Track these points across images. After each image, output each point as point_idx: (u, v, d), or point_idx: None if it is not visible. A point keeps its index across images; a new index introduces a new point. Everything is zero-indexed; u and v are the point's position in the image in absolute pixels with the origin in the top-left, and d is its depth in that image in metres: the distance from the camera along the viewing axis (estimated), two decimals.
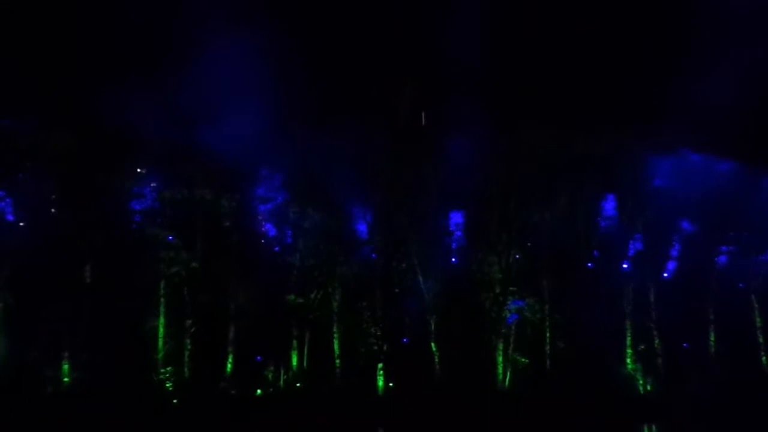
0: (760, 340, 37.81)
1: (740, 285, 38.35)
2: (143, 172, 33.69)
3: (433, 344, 35.23)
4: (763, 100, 35.44)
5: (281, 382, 33.68)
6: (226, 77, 32.57)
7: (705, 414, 32.33)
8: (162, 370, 31.64)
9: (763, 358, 37.64)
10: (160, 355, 31.85)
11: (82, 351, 30.29)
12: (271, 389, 33.41)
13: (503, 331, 35.38)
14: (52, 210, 32.15)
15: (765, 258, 37.95)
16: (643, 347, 36.53)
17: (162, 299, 32.40)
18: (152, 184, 33.53)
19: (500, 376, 34.99)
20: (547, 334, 36.02)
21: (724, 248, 37.77)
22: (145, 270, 32.01)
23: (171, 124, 31.81)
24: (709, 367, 36.57)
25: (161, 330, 32.14)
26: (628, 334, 36.64)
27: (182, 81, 30.93)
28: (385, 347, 34.93)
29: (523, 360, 35.54)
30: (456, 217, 36.55)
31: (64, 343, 30.26)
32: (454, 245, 36.66)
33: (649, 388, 35.96)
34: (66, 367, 30.30)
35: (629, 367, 36.29)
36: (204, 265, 33.46)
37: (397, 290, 36.00)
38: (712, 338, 37.52)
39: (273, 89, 31.82)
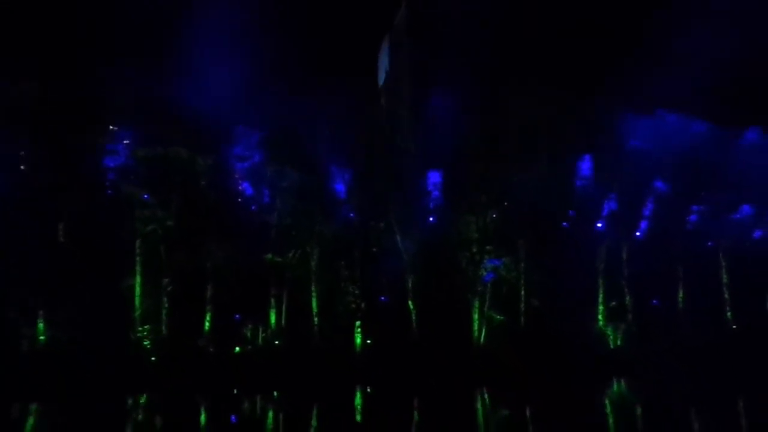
0: (726, 296, 38.98)
1: (709, 244, 39.32)
2: (116, 129, 32.97)
3: (410, 302, 35.68)
4: (736, 64, 35.89)
5: (259, 339, 33.89)
6: (203, 33, 31.79)
7: (672, 368, 33.50)
8: (139, 328, 31.60)
9: (728, 314, 38.86)
10: (138, 313, 31.75)
11: (58, 310, 30.05)
12: (250, 347, 33.62)
13: (479, 289, 35.93)
14: (23, 168, 31.43)
15: (733, 217, 38.90)
16: (614, 304, 37.54)
17: (138, 258, 32.12)
18: (126, 142, 32.88)
19: (476, 333, 35.65)
20: (522, 292, 36.69)
21: (694, 208, 38.60)
22: (120, 228, 31.62)
23: (145, 80, 31.06)
24: (676, 323, 37.77)
25: (138, 288, 31.96)
26: (600, 292, 37.58)
27: (157, 36, 30.13)
28: (362, 305, 35.28)
29: (498, 317, 36.20)
30: (434, 177, 36.61)
31: (39, 302, 29.94)
32: (431, 205, 36.80)
33: (618, 343, 37.03)
34: (41, 325, 30.08)
35: (600, 323, 37.32)
36: (180, 224, 33.19)
37: (375, 249, 36.23)
38: (681, 295, 38.59)
39: (251, 45, 31.20)
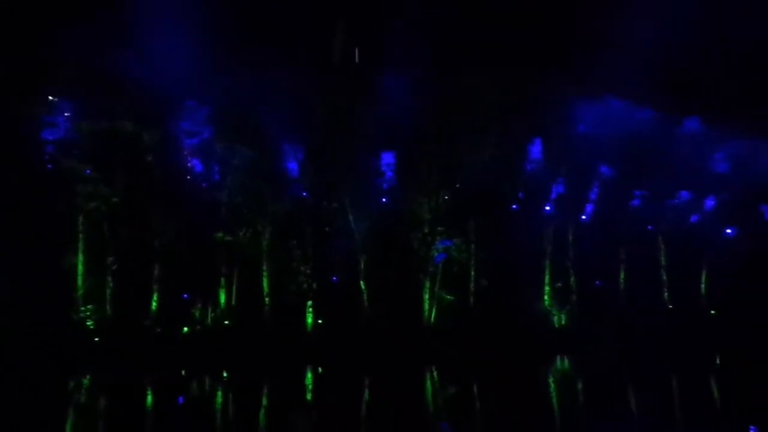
0: (664, 278, 40.75)
1: (649, 227, 40.92)
2: (56, 100, 31.48)
3: (362, 282, 35.81)
4: (681, 53, 37.06)
5: (209, 319, 33.39)
6: (152, 1, 30.44)
7: (613, 346, 34.92)
8: (82, 308, 30.59)
9: (666, 295, 40.68)
10: (80, 292, 30.70)
11: None
12: (198, 327, 33.10)
13: (431, 269, 36.34)
14: None
15: (672, 202, 40.56)
16: (559, 285, 38.72)
17: (80, 235, 30.98)
18: (66, 114, 31.45)
19: (426, 313, 36.15)
20: (472, 273, 37.38)
21: (637, 192, 40.01)
22: (61, 204, 30.37)
23: (88, 48, 29.64)
24: (618, 303, 39.30)
25: (80, 267, 30.87)
26: (547, 273, 38.66)
27: (103, 2, 28.71)
28: (314, 285, 35.18)
29: (448, 297, 36.79)
30: (387, 157, 36.62)
31: None
32: (384, 185, 36.84)
33: (563, 322, 38.29)
34: None
35: (546, 303, 38.46)
36: (125, 201, 32.17)
37: (327, 229, 36.07)
38: (622, 276, 40.12)
39: (202, 14, 30.10)
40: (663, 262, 40.81)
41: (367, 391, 23.69)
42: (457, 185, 37.59)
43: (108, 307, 31.25)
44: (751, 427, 16.62)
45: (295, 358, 31.48)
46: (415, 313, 35.90)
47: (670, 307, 40.62)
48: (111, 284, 31.45)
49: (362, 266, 35.87)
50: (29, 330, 28.36)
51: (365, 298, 35.66)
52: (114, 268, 31.63)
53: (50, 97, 31.25)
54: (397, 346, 32.80)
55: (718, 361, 32.85)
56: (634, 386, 24.40)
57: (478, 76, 35.35)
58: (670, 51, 34.56)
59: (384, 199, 37.06)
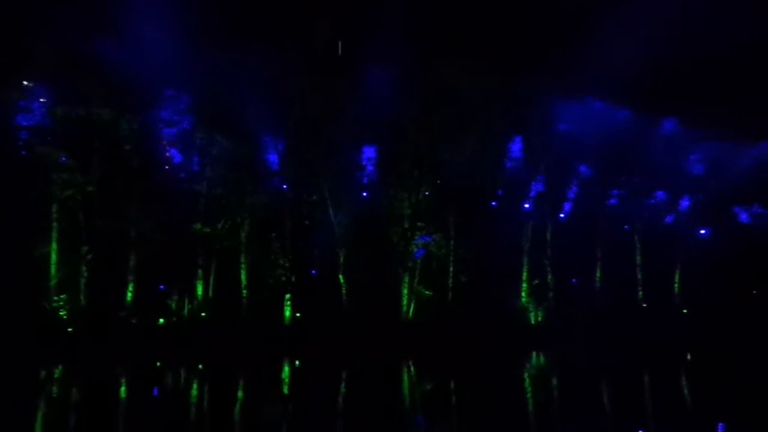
0: (639, 276, 41.35)
1: (626, 227, 41.48)
2: (31, 85, 30.79)
3: (341, 276, 35.75)
4: (660, 55, 37.55)
5: (185, 311, 33.05)
6: None
7: (588, 342, 35.34)
8: (55, 298, 30.06)
9: (640, 293, 41.29)
10: (53, 282, 30.15)
11: None
12: (175, 318, 32.74)
13: (410, 264, 36.43)
14: None
15: (649, 202, 41.17)
16: (537, 282, 39.10)
17: (54, 224, 30.41)
18: (42, 99, 30.78)
19: (405, 308, 36.22)
20: (451, 268, 37.59)
21: (615, 192, 40.53)
22: (34, 192, 29.74)
23: (66, 33, 29.03)
24: (593, 300, 39.80)
25: (54, 256, 30.31)
26: (525, 270, 39.01)
27: None
28: (293, 278, 35.02)
29: (426, 292, 36.92)
30: (368, 152, 36.61)
31: None
32: (365, 179, 36.83)
33: (539, 318, 38.67)
34: None
35: (523, 299, 38.81)
36: (101, 190, 31.64)
37: (306, 222, 35.93)
38: (598, 274, 40.63)
39: (184, 5, 29.64)
40: (638, 261, 41.41)
41: (344, 385, 23.66)
42: (438, 181, 37.73)
43: (82, 297, 30.74)
44: (720, 424, 16.96)
45: (273, 351, 31.30)
46: (393, 307, 35.96)
47: (644, 305, 41.25)
48: (85, 274, 30.95)
49: (341, 260, 35.82)
50: (1, 319, 27.73)
51: (344, 291, 35.61)
52: (89, 257, 31.12)
53: (25, 82, 30.54)
54: (375, 340, 32.84)
55: (689, 358, 33.46)
56: (608, 382, 24.77)
57: (460, 74, 35.40)
58: (649, 52, 34.99)
59: (364, 194, 37.05)
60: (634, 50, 34.41)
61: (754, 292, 41.35)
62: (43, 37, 29.50)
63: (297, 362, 29.47)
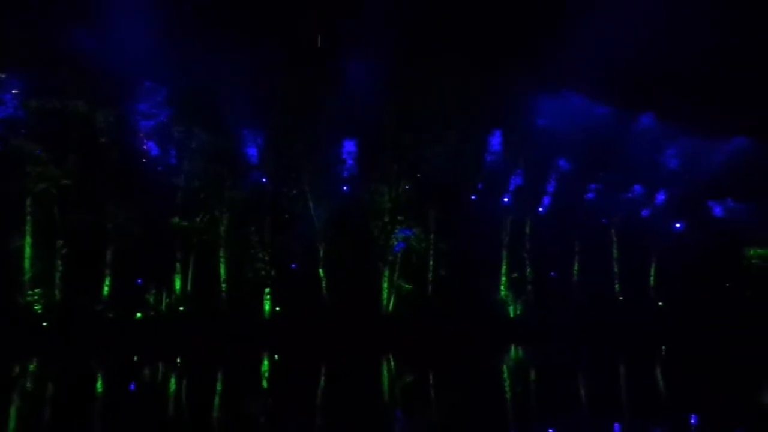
0: (616, 270, 41.90)
1: (603, 221, 41.98)
2: (3, 76, 30.19)
3: (321, 270, 35.69)
4: (638, 51, 37.99)
5: (163, 305, 32.78)
6: None
7: (565, 335, 35.78)
8: (29, 292, 29.61)
9: (617, 286, 41.86)
10: (27, 276, 29.69)
11: None
12: (152, 313, 32.45)
13: (390, 258, 36.50)
14: None
15: (626, 196, 41.69)
16: (515, 275, 39.45)
17: (28, 217, 29.92)
18: (14, 91, 30.21)
19: (385, 301, 36.30)
20: (431, 262, 37.73)
21: (592, 186, 40.97)
22: (8, 185, 29.22)
23: (40, 23, 28.50)
24: (571, 293, 40.27)
25: (28, 250, 29.84)
26: (504, 263, 39.33)
27: None
28: (272, 272, 34.88)
29: (407, 286, 37.03)
30: (348, 145, 36.56)
31: None
32: (345, 173, 36.79)
33: (518, 312, 39.02)
34: None
35: (502, 293, 39.12)
36: (77, 183, 31.19)
37: (286, 216, 35.79)
38: (576, 268, 41.09)
39: None
40: (615, 255, 41.95)
41: (323, 378, 23.68)
42: (418, 175, 37.81)
43: (57, 292, 30.32)
44: (693, 415, 17.30)
45: (252, 345, 31.18)
46: (373, 301, 36.02)
47: (621, 298, 41.83)
48: (60, 268, 30.53)
49: (321, 254, 35.76)
50: None
51: (324, 285, 35.57)
52: (64, 251, 30.70)
53: None
54: (355, 334, 32.86)
55: (663, 351, 34.05)
56: (585, 374, 25.13)
57: (440, 68, 35.48)
58: (627, 48, 35.40)
59: (344, 187, 37.01)
60: (613, 46, 34.80)
61: (727, 285, 42.15)
62: (16, 27, 28.92)
63: (276, 356, 29.41)
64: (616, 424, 16.35)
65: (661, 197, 42.36)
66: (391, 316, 36.07)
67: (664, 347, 34.77)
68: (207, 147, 33.27)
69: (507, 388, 21.94)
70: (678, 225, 42.65)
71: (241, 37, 32.44)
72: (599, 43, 34.56)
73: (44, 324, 29.48)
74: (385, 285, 36.39)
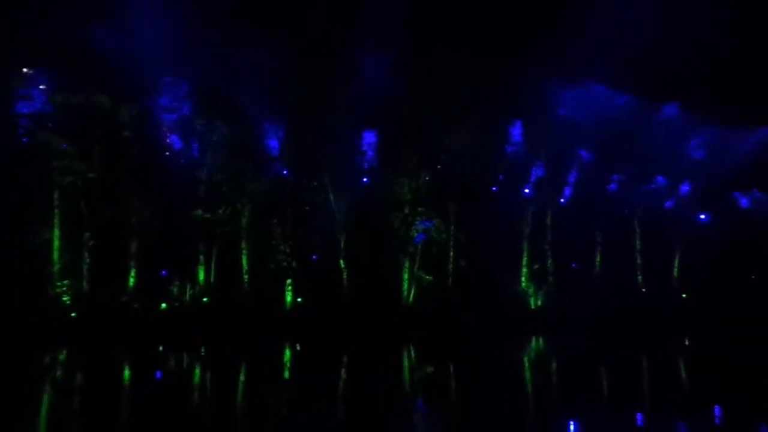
0: (638, 261, 41.47)
1: (625, 211, 41.53)
2: (31, 72, 30.77)
3: (341, 261, 35.90)
4: (661, 39, 37.39)
5: (187, 296, 33.29)
6: None
7: (587, 326, 35.59)
8: (58, 284, 30.28)
9: (639, 278, 41.44)
10: (56, 268, 30.35)
11: None
12: (177, 304, 32.99)
13: (410, 249, 36.56)
14: None
15: (649, 187, 41.18)
16: (536, 266, 39.27)
17: (56, 210, 30.56)
18: (41, 87, 30.79)
19: (405, 293, 36.42)
20: (451, 253, 37.72)
21: (614, 176, 40.54)
22: (36, 179, 29.85)
23: (64, 20, 28.96)
24: (593, 285, 39.99)
25: (56, 242, 30.49)
26: (525, 255, 39.16)
27: None
28: (294, 264, 35.19)
29: (427, 277, 37.08)
30: (368, 137, 36.61)
31: None
32: (365, 165, 36.88)
33: (539, 303, 38.87)
34: None
35: (523, 284, 38.99)
36: (102, 176, 31.75)
37: (307, 208, 36.02)
38: (598, 260, 40.77)
39: None
40: (638, 246, 41.51)
41: (345, 369, 23.90)
42: (438, 166, 37.76)
43: (84, 283, 30.97)
44: (717, 408, 17.16)
45: (274, 336, 31.55)
46: (393, 292, 36.15)
47: (644, 290, 41.43)
48: (87, 260, 31.15)
49: (342, 245, 35.95)
50: (5, 305, 28.01)
51: (344, 276, 35.78)
52: (90, 243, 31.31)
53: (24, 69, 30.53)
54: (376, 325, 33.05)
55: (686, 343, 33.70)
56: (607, 367, 24.98)
57: (459, 59, 35.29)
58: (649, 36, 34.85)
59: (365, 179, 37.11)
60: (635, 34, 34.29)
61: (753, 276, 41.51)
62: (42, 24, 29.42)
63: (298, 347, 29.73)
64: (643, 419, 16.26)
65: (685, 188, 41.79)
66: (412, 308, 36.19)
67: (687, 340, 34.40)
68: (228, 140, 33.58)
69: (529, 381, 21.93)
70: (702, 216, 42.05)
71: (259, 30, 32.60)
72: (622, 32, 34.10)
73: (72, 315, 30.14)
74: (406, 276, 36.49)
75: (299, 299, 34.99)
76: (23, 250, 29.96)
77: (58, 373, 22.81)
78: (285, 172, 35.87)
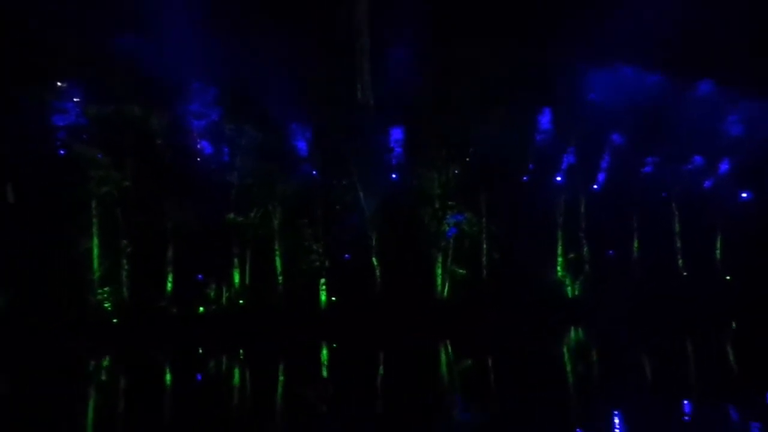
0: (678, 245, 40.42)
1: (663, 194, 40.47)
2: (64, 85, 31.58)
3: (374, 258, 35.91)
4: (691, 14, 36.19)
5: (223, 299, 33.78)
6: None
7: (626, 315, 34.84)
8: (99, 290, 31.06)
9: (680, 262, 40.38)
10: (96, 275, 31.14)
11: (10, 275, 29.22)
12: (214, 307, 33.50)
13: (442, 244, 36.33)
14: None
15: (686, 167, 40.04)
16: (572, 255, 38.61)
17: (94, 219, 31.33)
18: (75, 99, 31.58)
19: (439, 287, 36.24)
20: (484, 246, 37.40)
21: (649, 159, 39.53)
22: (73, 190, 30.64)
23: (93, 33, 29.60)
24: (632, 270, 39.12)
25: (95, 250, 31.26)
26: (559, 244, 38.53)
27: None
28: (326, 263, 35.36)
29: (460, 271, 36.82)
30: (395, 133, 36.49)
31: None
32: (393, 161, 36.79)
33: (576, 292, 38.23)
34: None
35: (559, 273, 38.38)
36: (137, 185, 32.42)
37: (337, 207, 36.13)
38: (636, 245, 39.86)
39: None
40: (677, 229, 40.45)
41: (381, 366, 23.91)
42: (467, 159, 37.44)
43: (124, 289, 31.70)
44: None
45: (310, 335, 31.79)
46: (427, 287, 35.99)
47: (685, 273, 40.36)
48: (126, 267, 31.86)
49: (374, 243, 35.95)
50: (51, 313, 28.88)
51: (378, 274, 35.80)
52: (128, 250, 32.01)
53: (58, 83, 31.35)
54: (411, 321, 32.97)
55: (733, 327, 32.71)
56: (649, 355, 24.39)
57: (485, 47, 34.82)
58: (679, 13, 33.77)
59: (394, 175, 37.03)
60: (663, 10, 33.31)
61: None
62: (73, 37, 30.10)
63: (334, 345, 29.87)
64: (699, 410, 15.74)
65: (724, 166, 40.48)
66: (446, 302, 36.00)
67: (734, 323, 33.34)
68: (257, 143, 33.88)
69: (570, 373, 21.58)
70: (744, 194, 40.72)
71: (283, 31, 32.76)
72: (650, 8, 33.21)
73: (114, 321, 30.88)
74: (439, 271, 36.30)
75: (333, 298, 35.15)
76: (65, 259, 30.74)
77: (106, 377, 23.41)
78: (314, 172, 36.03)
